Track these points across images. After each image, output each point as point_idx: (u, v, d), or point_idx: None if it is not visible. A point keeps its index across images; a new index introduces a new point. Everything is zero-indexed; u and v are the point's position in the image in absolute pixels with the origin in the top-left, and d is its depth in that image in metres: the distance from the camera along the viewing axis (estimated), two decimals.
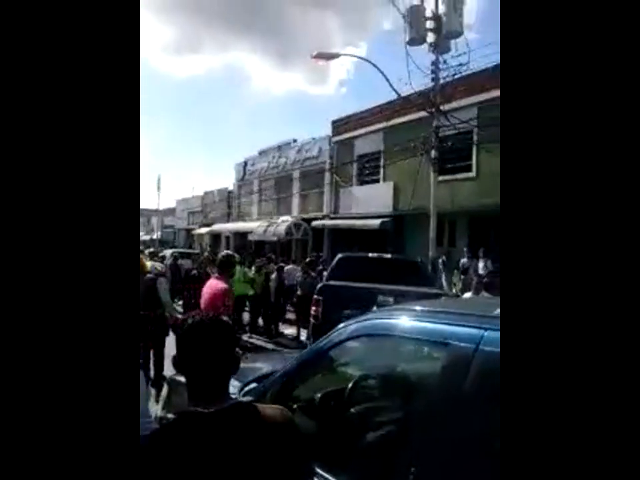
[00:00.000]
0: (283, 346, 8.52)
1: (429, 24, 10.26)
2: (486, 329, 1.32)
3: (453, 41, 10.54)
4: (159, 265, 6.20)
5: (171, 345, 6.28)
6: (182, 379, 2.87)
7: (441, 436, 1.33)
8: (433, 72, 10.54)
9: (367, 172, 16.81)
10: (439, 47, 10.35)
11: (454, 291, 9.51)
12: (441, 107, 10.49)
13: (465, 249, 11.88)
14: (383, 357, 2.03)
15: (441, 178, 10.95)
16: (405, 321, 1.72)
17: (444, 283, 9.58)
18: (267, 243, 19.91)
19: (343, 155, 17.57)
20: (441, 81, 10.57)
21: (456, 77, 10.55)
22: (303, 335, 8.76)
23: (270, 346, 8.58)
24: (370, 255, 7.84)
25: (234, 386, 2.21)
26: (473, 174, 12.70)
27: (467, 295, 5.88)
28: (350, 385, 1.93)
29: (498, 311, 1.27)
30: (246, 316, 9.77)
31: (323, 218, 18.07)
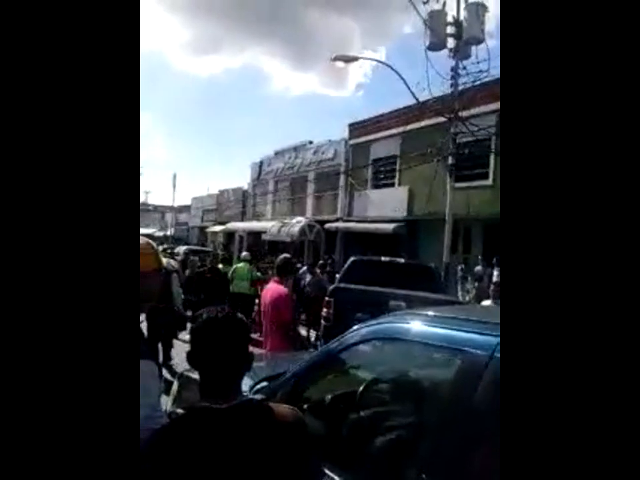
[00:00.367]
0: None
1: (450, 29, 10.21)
2: None
3: (473, 48, 10.47)
4: (173, 262, 6.52)
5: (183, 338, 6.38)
6: (193, 375, 2.89)
7: (453, 443, 1.32)
8: (452, 78, 10.49)
9: (382, 176, 16.78)
10: (459, 53, 10.30)
11: (467, 298, 9.43)
12: (460, 114, 10.43)
13: (479, 257, 11.79)
14: (395, 362, 2.02)
15: (457, 184, 10.88)
16: (418, 326, 1.71)
17: (459, 291, 9.50)
18: (280, 243, 19.95)
19: (358, 158, 17.55)
20: (460, 87, 10.51)
21: (475, 83, 10.48)
22: (313, 336, 8.74)
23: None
24: (382, 258, 7.81)
25: (245, 384, 2.21)
26: (489, 182, 12.60)
27: (486, 302, 5.80)
28: (361, 388, 1.93)
29: None
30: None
31: (336, 220, 18.07)
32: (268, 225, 20.83)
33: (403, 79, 10.42)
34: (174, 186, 32.17)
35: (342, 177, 18.19)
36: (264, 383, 2.25)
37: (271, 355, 3.69)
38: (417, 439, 1.62)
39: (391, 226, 14.59)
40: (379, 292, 6.11)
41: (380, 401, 1.98)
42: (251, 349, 1.24)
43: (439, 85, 10.62)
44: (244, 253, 10.49)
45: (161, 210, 40.42)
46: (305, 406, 1.87)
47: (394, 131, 15.71)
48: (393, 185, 16.19)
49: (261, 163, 25.08)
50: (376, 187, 16.96)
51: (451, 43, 10.23)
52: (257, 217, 24.86)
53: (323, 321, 6.28)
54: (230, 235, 26.41)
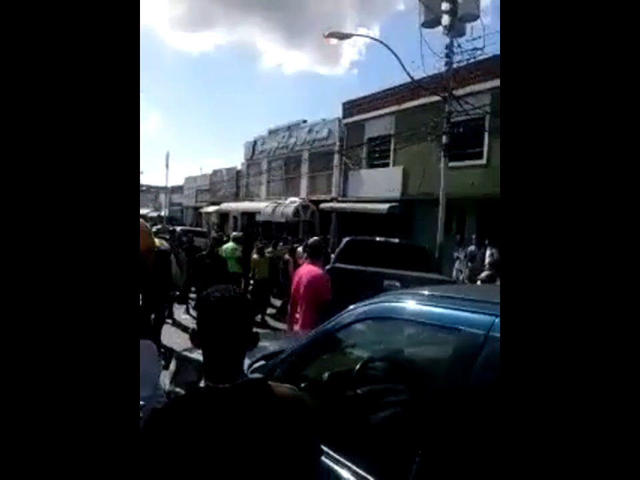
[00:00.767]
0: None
1: (445, 6, 10.06)
2: (497, 316, 1.32)
3: (468, 25, 10.35)
4: (164, 242, 6.54)
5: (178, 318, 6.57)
6: (191, 354, 2.92)
7: (449, 420, 1.35)
8: (446, 56, 10.38)
9: (377, 155, 16.71)
10: (454, 30, 10.17)
11: (461, 278, 9.51)
12: (454, 92, 10.35)
13: (473, 237, 11.84)
14: (391, 341, 2.05)
15: (451, 164, 10.87)
16: (414, 305, 1.72)
17: (453, 271, 9.57)
18: (274, 224, 19.92)
19: (352, 137, 17.45)
20: (455, 65, 10.41)
21: (470, 61, 10.38)
22: None
23: (281, 325, 8.65)
24: (377, 239, 7.84)
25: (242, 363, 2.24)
26: (483, 161, 12.59)
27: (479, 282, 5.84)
28: (357, 367, 1.95)
29: None
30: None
31: (331, 200, 18.03)
32: (262, 206, 20.77)
33: (397, 56, 10.31)
34: (167, 165, 31.86)
35: (336, 157, 18.09)
36: (261, 362, 2.27)
37: (268, 334, 3.72)
38: (413, 416, 1.65)
39: (385, 206, 14.60)
40: (374, 272, 6.15)
41: (377, 379, 2.01)
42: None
43: (434, 63, 10.53)
44: (234, 233, 10.70)
45: (154, 190, 40.10)
46: (303, 384, 1.89)
47: (388, 109, 15.60)
48: (387, 164, 16.14)
49: (255, 142, 24.86)
50: (370, 166, 16.90)
51: (445, 19, 10.08)
52: (251, 197, 24.74)
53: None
54: (224, 215, 26.31)
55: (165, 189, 34.51)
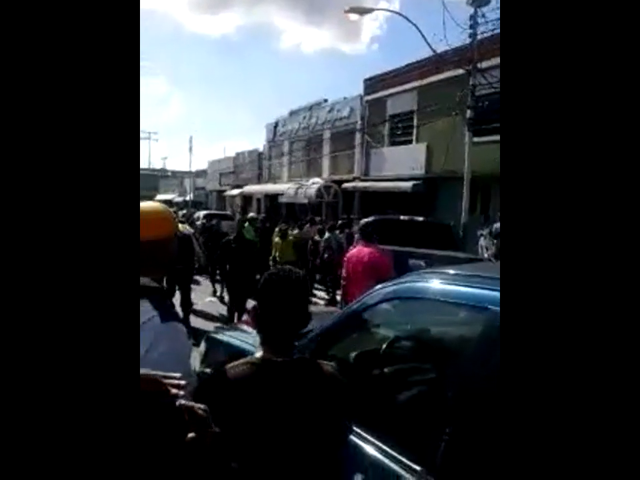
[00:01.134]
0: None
1: None
2: None
3: None
4: (188, 227, 7.00)
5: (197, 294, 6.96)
6: (219, 336, 2.97)
7: (477, 398, 1.35)
8: (470, 27, 10.06)
9: (399, 132, 16.43)
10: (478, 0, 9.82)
11: (486, 255, 9.37)
12: (478, 65, 10.05)
13: (498, 214, 11.62)
14: (418, 320, 2.05)
15: (476, 139, 10.61)
16: (440, 284, 1.71)
17: (478, 249, 9.43)
18: (297, 205, 19.93)
19: (374, 114, 17.17)
20: (479, 37, 10.08)
21: (495, 32, 10.02)
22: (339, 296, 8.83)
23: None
24: (401, 217, 7.77)
25: None
26: None
27: None
28: (384, 346, 1.96)
29: None
30: None
31: (353, 180, 17.91)
32: (284, 187, 20.76)
33: (419, 29, 10.05)
34: (190, 149, 32.17)
35: (358, 136, 17.88)
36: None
37: None
38: (440, 395, 1.65)
39: (409, 184, 14.41)
40: (398, 251, 6.11)
41: (404, 358, 2.02)
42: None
43: (457, 35, 10.22)
44: (250, 214, 11.08)
45: (179, 175, 40.52)
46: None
47: (410, 85, 15.27)
48: (410, 141, 15.87)
49: (276, 123, 24.75)
50: (393, 144, 16.65)
51: None
52: (273, 179, 24.76)
53: (342, 281, 6.32)
54: (247, 198, 26.44)
55: (189, 173, 34.84)
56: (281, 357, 1.27)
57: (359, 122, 17.92)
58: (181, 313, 6.23)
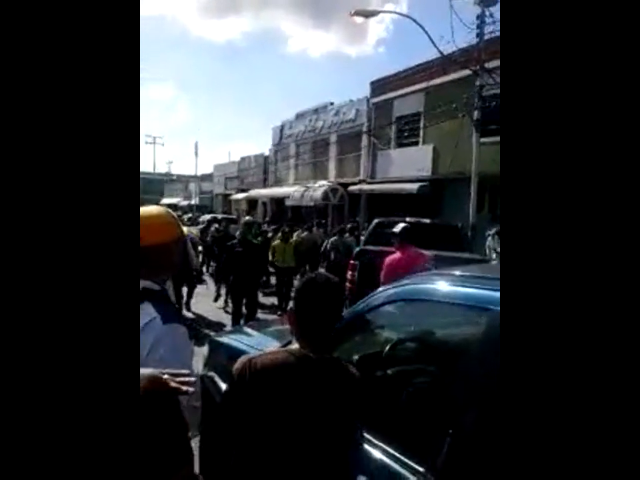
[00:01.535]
0: None
1: None
2: None
3: None
4: (194, 230, 7.05)
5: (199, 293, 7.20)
6: (221, 339, 2.95)
7: (480, 400, 1.32)
8: (478, 27, 10.02)
9: (406, 134, 16.39)
10: None
11: (494, 256, 9.31)
12: (486, 65, 10.00)
13: None
14: (422, 322, 2.01)
15: (483, 139, 10.55)
16: (445, 285, 1.69)
17: (485, 250, 9.37)
18: (303, 208, 19.93)
19: (381, 116, 17.16)
20: (486, 37, 10.04)
21: None
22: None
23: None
24: (408, 219, 7.72)
25: (277, 342, 2.24)
26: None
27: None
28: (387, 348, 1.93)
29: None
30: None
31: (359, 183, 17.88)
32: (290, 190, 20.77)
33: (425, 31, 10.02)
34: (196, 154, 32.33)
35: (364, 138, 17.86)
36: None
37: None
38: (444, 396, 1.62)
39: (415, 186, 14.35)
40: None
41: (407, 360, 1.99)
42: None
43: (464, 36, 10.19)
44: (246, 218, 10.80)
45: (184, 179, 40.79)
46: None
47: (417, 86, 15.24)
48: (417, 143, 15.83)
49: (282, 126, 24.80)
50: (399, 145, 16.61)
51: None
52: (279, 182, 24.79)
53: (348, 284, 6.29)
54: (253, 202, 26.49)
55: (195, 177, 35.01)
56: (319, 353, 1.39)
57: (366, 124, 17.90)
58: (185, 312, 6.39)
